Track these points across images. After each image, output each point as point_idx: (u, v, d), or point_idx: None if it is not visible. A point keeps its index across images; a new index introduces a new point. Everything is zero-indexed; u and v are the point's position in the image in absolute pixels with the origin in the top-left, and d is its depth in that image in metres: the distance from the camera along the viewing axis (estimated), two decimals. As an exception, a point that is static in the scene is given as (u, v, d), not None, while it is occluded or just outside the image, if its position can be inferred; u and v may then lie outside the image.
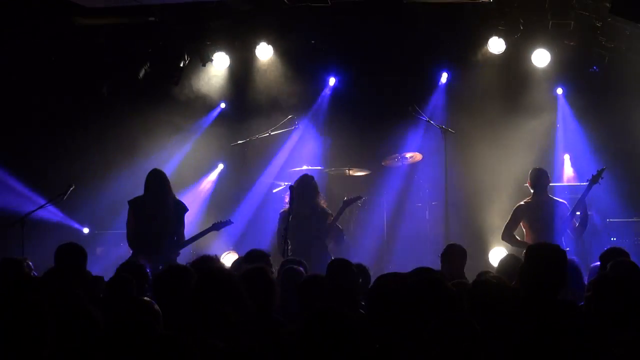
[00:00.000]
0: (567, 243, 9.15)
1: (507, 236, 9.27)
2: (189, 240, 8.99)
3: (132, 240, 8.85)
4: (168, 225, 8.75)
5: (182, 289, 5.00)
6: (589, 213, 9.33)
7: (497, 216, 11.41)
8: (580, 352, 3.78)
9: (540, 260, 4.95)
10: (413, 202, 11.64)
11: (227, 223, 9.31)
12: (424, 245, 11.19)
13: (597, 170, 9.19)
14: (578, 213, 9.18)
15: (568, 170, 11.65)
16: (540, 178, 9.32)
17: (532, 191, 9.35)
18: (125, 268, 6.30)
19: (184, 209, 8.94)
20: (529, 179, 9.40)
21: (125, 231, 8.99)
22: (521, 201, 9.43)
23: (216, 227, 9.25)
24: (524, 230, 9.31)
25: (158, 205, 8.77)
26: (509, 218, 9.34)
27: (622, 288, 4.56)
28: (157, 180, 8.87)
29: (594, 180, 9.14)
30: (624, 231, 10.68)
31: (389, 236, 11.45)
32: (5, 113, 11.47)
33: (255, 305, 4.93)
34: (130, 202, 8.94)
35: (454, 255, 7.41)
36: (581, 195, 9.18)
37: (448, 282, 4.66)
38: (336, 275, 5.74)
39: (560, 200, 9.42)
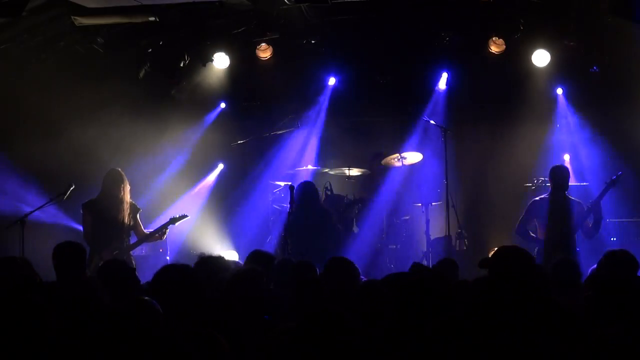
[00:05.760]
0: (579, 243, 9.17)
1: (521, 231, 9.28)
2: (147, 235, 9.43)
3: (90, 239, 9.22)
4: (124, 225, 9.25)
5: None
6: (603, 216, 9.34)
7: (497, 216, 11.42)
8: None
9: (503, 267, 4.96)
10: (412, 202, 11.63)
11: (182, 217, 9.66)
12: (423, 246, 11.19)
13: (616, 175, 9.32)
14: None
15: (567, 170, 11.64)
16: (559, 175, 9.31)
17: (550, 188, 9.38)
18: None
19: (136, 209, 9.42)
20: (549, 176, 9.41)
21: None
22: (537, 197, 9.45)
23: (172, 221, 9.55)
24: (537, 226, 9.31)
25: (113, 206, 9.24)
26: (523, 213, 9.35)
27: (623, 289, 4.53)
28: (112, 181, 9.36)
29: (611, 184, 9.21)
30: (624, 231, 10.68)
31: (388, 236, 11.44)
32: (4, 113, 11.45)
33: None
34: (84, 205, 9.41)
35: (445, 269, 7.31)
36: (596, 198, 9.24)
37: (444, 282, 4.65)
38: (335, 274, 5.74)
39: (577, 199, 9.42)
